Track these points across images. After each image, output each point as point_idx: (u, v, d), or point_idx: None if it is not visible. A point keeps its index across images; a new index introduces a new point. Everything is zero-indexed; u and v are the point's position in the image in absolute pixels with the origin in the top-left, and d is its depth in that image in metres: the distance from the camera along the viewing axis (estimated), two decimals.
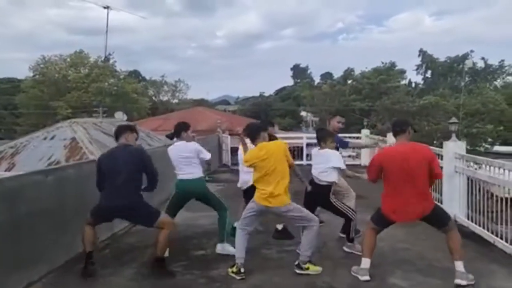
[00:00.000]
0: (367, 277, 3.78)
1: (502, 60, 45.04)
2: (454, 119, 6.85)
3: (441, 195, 6.10)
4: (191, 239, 5.18)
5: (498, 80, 44.79)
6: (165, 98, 47.60)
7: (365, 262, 3.85)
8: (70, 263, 4.27)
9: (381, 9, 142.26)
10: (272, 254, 4.59)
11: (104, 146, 8.68)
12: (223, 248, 4.57)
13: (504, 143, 27.26)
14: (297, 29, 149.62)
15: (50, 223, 4.11)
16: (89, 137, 9.58)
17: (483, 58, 44.91)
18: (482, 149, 24.28)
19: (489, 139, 25.94)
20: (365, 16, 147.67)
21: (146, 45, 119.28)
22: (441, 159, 5.83)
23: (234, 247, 4.13)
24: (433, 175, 3.75)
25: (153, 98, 45.74)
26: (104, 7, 33.69)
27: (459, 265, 3.64)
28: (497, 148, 25.99)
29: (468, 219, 5.41)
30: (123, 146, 4.17)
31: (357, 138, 12.19)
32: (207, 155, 4.62)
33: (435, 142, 20.08)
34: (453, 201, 5.75)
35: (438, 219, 3.79)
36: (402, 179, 3.68)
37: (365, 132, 12.86)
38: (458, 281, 3.60)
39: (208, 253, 4.65)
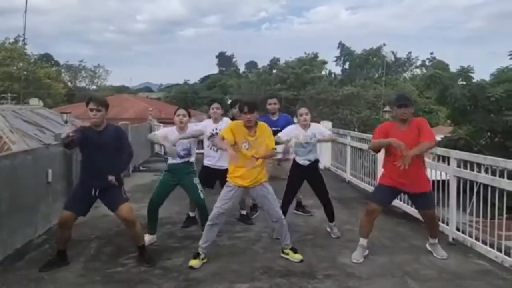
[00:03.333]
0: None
1: (409, 52, 49.07)
2: (387, 108, 7.37)
3: (374, 179, 6.50)
4: (143, 228, 4.98)
5: (407, 72, 48.73)
6: (83, 84, 44.76)
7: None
8: (9, 260, 3.90)
9: (302, 1, 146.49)
10: (224, 241, 4.60)
11: (26, 135, 7.97)
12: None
13: None
14: (220, 17, 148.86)
15: None
16: (9, 126, 8.71)
17: (392, 52, 48.50)
18: None
19: None
20: (287, 6, 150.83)
21: (58, 27, 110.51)
22: None
23: None
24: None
25: (69, 84, 42.75)
26: None
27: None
28: None
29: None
30: None
31: None
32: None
33: (355, 129, 21.38)
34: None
35: (431, 199, 4.11)
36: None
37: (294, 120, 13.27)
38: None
39: (158, 244, 4.53)
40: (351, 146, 7.91)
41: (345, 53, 49.94)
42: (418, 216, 4.60)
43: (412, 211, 5.29)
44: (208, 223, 4.00)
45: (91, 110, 3.76)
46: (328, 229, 4.89)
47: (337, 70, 48.91)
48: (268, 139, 4.06)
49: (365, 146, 7.19)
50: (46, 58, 44.08)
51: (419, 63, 49.56)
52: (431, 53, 45.56)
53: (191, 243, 4.45)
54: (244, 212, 5.36)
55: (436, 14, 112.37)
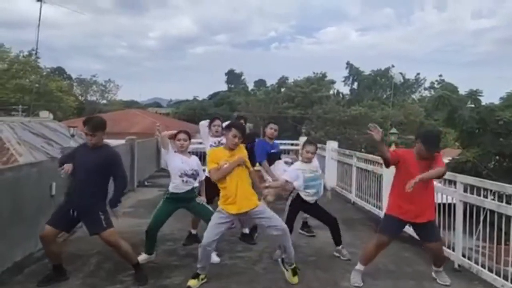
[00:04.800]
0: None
1: (418, 74, 49.07)
2: (394, 130, 7.35)
3: (380, 201, 6.39)
4: (138, 246, 4.94)
5: (416, 94, 48.65)
6: (93, 98, 45.30)
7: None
8: (7, 274, 3.88)
9: (311, 21, 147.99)
10: (225, 260, 4.54)
11: (33, 147, 8.03)
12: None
13: None
14: (231, 36, 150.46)
15: None
16: (17, 138, 8.79)
17: (401, 73, 48.56)
18: None
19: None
20: (296, 26, 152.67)
21: (71, 42, 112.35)
22: (382, 166, 6.17)
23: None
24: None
25: (80, 97, 43.30)
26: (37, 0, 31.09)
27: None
28: None
29: None
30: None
31: (295, 145, 12.50)
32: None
33: (362, 150, 21.27)
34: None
35: (437, 228, 4.03)
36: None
37: (303, 139, 13.24)
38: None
39: (158, 261, 4.48)
40: (357, 167, 7.83)
41: (353, 73, 50.17)
42: None
43: None
44: (201, 249, 3.83)
45: (86, 134, 3.79)
46: (336, 254, 4.79)
47: (345, 90, 49.14)
48: (244, 156, 3.97)
49: (370, 167, 7.13)
50: (59, 71, 44.77)
51: (427, 84, 49.59)
52: (440, 75, 45.56)
53: (192, 261, 4.36)
54: (246, 231, 5.30)
55: (444, 38, 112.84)
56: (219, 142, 5.15)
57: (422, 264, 4.51)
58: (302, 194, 4.66)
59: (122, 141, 9.79)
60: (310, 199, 4.66)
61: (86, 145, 3.87)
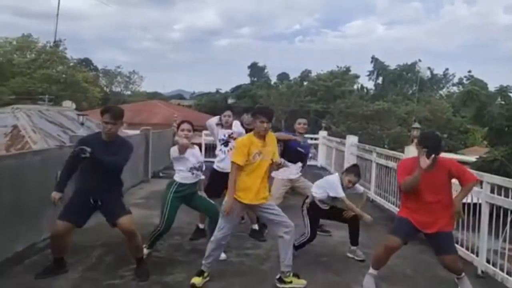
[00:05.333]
0: None
1: (447, 69, 47.60)
2: (417, 125, 7.00)
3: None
4: (143, 239, 4.81)
5: (444, 90, 47.22)
6: (118, 89, 45.91)
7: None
8: (6, 265, 3.77)
9: (337, 14, 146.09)
10: (231, 257, 4.35)
11: (48, 135, 8.03)
12: None
13: (448, 150, 28.80)
14: (255, 28, 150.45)
15: None
16: (32, 125, 8.82)
17: (429, 68, 47.18)
18: None
19: None
20: (321, 19, 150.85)
21: (98, 34, 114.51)
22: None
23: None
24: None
25: (105, 88, 43.94)
26: None
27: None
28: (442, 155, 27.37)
29: None
30: None
31: (315, 139, 12.23)
32: None
33: (385, 146, 20.73)
34: None
35: (453, 240, 3.68)
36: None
37: (322, 133, 13.03)
38: None
39: (162, 256, 4.33)
40: (377, 163, 7.48)
41: (378, 67, 49.04)
42: None
43: None
44: (212, 245, 3.68)
45: (106, 123, 3.60)
46: (350, 254, 4.55)
47: (370, 84, 48.09)
48: (274, 149, 3.80)
49: (391, 163, 6.77)
50: (86, 62, 45.49)
51: (455, 80, 48.03)
52: (469, 71, 43.96)
53: (197, 257, 4.16)
54: (255, 227, 5.10)
55: (475, 32, 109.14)
56: (229, 135, 4.97)
57: (442, 268, 4.18)
58: (319, 204, 4.51)
59: (137, 131, 9.73)
60: (324, 206, 4.56)
61: (100, 137, 3.70)
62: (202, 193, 4.41)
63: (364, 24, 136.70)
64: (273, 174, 4.00)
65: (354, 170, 4.63)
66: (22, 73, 28.33)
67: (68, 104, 18.26)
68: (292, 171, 3.99)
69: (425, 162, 3.32)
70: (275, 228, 3.75)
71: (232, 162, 3.63)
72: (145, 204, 6.62)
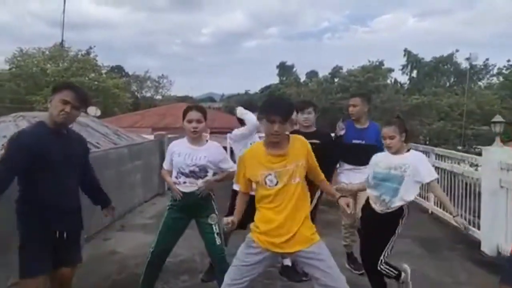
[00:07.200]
0: None
1: (487, 59, 45.28)
2: (499, 117, 5.81)
3: (478, 218, 4.90)
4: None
5: (483, 81, 45.01)
6: (148, 94, 46.43)
7: None
8: None
9: (366, 10, 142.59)
10: None
11: None
12: None
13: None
14: (282, 28, 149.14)
15: None
16: None
17: (467, 59, 45.00)
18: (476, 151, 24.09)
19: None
20: (349, 16, 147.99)
21: (129, 41, 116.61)
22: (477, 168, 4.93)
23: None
24: None
25: (136, 93, 44.47)
26: None
27: None
28: None
29: None
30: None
31: None
32: None
33: (427, 143, 19.64)
34: (496, 227, 4.45)
35: None
36: None
37: None
38: None
39: None
40: (436, 167, 5.98)
41: (412, 60, 47.27)
42: None
43: None
44: None
45: (65, 102, 2.50)
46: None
47: (403, 79, 46.42)
48: (307, 162, 2.46)
49: (458, 167, 5.63)
50: (118, 69, 46.21)
51: (495, 71, 45.61)
52: (508, 60, 41.59)
53: None
54: (287, 263, 3.94)
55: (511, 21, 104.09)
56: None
57: None
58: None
59: (151, 137, 9.18)
60: (374, 206, 3.20)
61: (46, 126, 2.54)
62: (213, 218, 3.19)
63: (394, 17, 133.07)
64: (349, 186, 3.39)
65: (386, 121, 3.43)
66: (56, 82, 28.87)
67: (92, 110, 18.13)
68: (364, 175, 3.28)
69: None
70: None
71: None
72: (154, 226, 4.65)
